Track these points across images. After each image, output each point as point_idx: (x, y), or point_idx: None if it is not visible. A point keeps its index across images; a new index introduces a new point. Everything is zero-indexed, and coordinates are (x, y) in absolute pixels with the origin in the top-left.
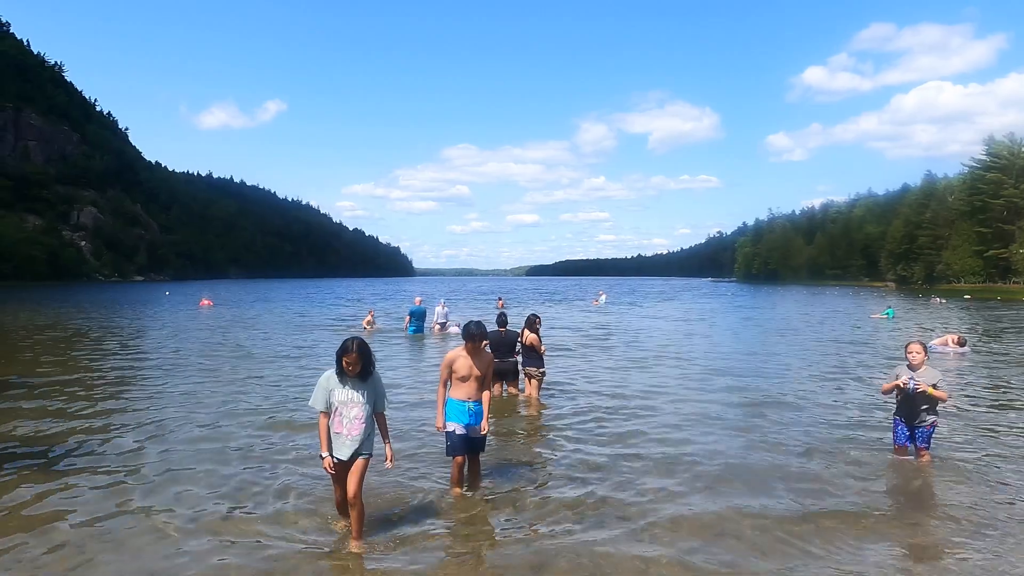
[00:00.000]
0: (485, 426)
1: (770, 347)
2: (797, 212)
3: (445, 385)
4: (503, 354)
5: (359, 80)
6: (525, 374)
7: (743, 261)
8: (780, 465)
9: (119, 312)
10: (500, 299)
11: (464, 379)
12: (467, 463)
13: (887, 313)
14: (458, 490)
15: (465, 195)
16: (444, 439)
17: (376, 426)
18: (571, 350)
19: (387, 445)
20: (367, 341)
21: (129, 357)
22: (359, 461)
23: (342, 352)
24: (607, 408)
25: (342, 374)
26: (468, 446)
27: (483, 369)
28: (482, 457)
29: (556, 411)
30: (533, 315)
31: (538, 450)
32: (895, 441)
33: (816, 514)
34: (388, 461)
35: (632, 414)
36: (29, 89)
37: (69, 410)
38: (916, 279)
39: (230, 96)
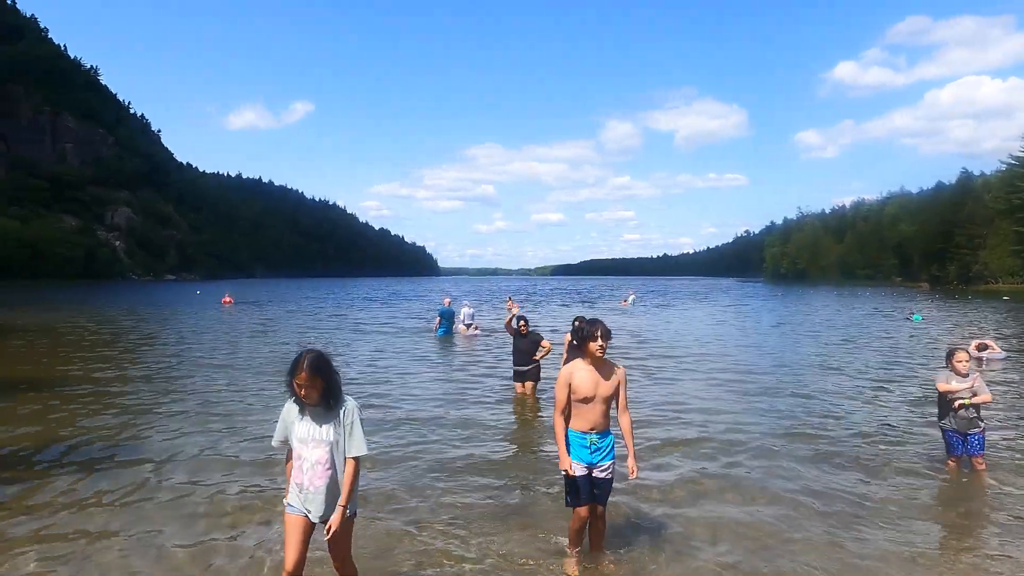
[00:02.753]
0: (632, 465)
1: (829, 358)
2: (827, 211)
3: (561, 410)
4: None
5: (384, 80)
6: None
7: (771, 261)
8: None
9: (175, 311)
10: (510, 299)
11: (587, 401)
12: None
13: (915, 318)
14: (573, 561)
15: (490, 194)
16: (563, 483)
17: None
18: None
19: (339, 509)
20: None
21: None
22: (336, 529)
23: (291, 370)
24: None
25: (300, 402)
26: (592, 493)
27: (613, 386)
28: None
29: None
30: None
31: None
32: (951, 452)
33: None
34: (328, 531)
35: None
36: (66, 93)
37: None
38: (951, 279)
39: (258, 97)
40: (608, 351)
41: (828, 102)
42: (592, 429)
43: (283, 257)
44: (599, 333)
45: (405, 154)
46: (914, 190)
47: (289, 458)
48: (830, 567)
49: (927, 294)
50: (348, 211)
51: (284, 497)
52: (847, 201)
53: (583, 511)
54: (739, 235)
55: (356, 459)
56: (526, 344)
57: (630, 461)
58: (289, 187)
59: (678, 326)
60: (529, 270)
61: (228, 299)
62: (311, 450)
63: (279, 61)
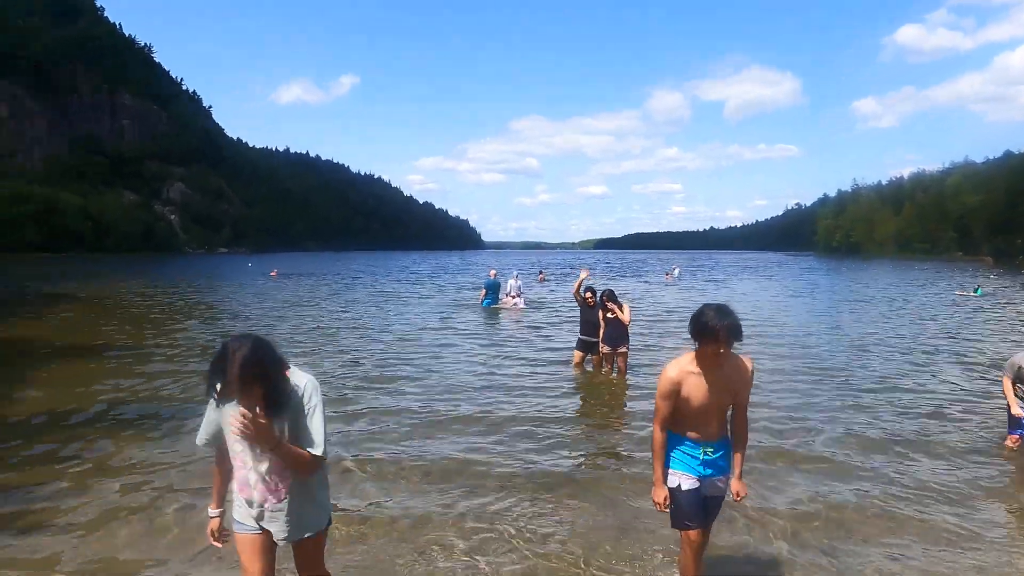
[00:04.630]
0: (738, 487)
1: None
2: (884, 182)
3: (664, 424)
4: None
5: (429, 53)
6: (618, 353)
7: (823, 234)
8: None
9: (227, 283)
10: (542, 272)
11: (700, 409)
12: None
13: (976, 292)
14: None
15: (534, 167)
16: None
17: (311, 482)
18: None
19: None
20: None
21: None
22: (304, 545)
23: (215, 371)
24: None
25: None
26: (706, 513)
27: (736, 391)
28: None
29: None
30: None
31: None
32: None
33: None
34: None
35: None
36: (122, 71)
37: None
38: (1018, 253)
39: (306, 71)
40: (652, 332)
41: (888, 68)
42: (705, 440)
43: (331, 230)
44: (722, 332)
45: (449, 127)
46: (979, 160)
47: (222, 461)
48: None
49: (991, 268)
50: (393, 185)
51: (211, 507)
52: (905, 172)
53: (695, 536)
54: (790, 208)
55: (317, 459)
56: (592, 315)
57: (733, 481)
58: (336, 161)
59: (733, 303)
60: (572, 243)
61: (275, 272)
62: (258, 455)
63: (326, 34)
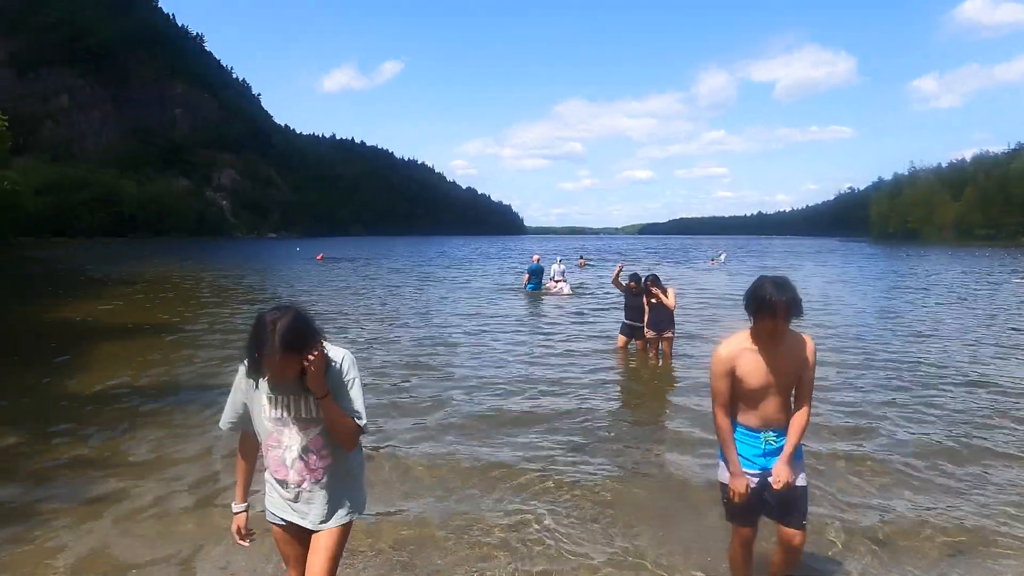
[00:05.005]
0: (783, 472)
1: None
2: (943, 165)
3: (724, 408)
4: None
5: (472, 38)
6: (663, 338)
7: (877, 219)
8: None
9: (277, 266)
10: (582, 258)
11: (759, 391)
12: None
13: None
14: None
15: (577, 152)
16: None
17: (350, 463)
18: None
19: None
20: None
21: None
22: (330, 532)
23: (254, 344)
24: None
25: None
26: (763, 508)
27: (796, 370)
28: None
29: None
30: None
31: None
32: None
33: None
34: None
35: None
36: (175, 61)
37: None
38: None
39: (351, 58)
40: (698, 318)
41: (950, 45)
42: (766, 426)
43: (375, 216)
44: (780, 307)
45: (492, 112)
46: None
47: (247, 450)
48: None
49: None
50: (436, 170)
51: (235, 502)
52: (967, 154)
53: (745, 532)
54: (842, 192)
55: (359, 427)
56: (636, 300)
57: (778, 465)
58: (380, 147)
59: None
60: (615, 229)
61: (320, 256)
62: (295, 433)
63: (370, 21)
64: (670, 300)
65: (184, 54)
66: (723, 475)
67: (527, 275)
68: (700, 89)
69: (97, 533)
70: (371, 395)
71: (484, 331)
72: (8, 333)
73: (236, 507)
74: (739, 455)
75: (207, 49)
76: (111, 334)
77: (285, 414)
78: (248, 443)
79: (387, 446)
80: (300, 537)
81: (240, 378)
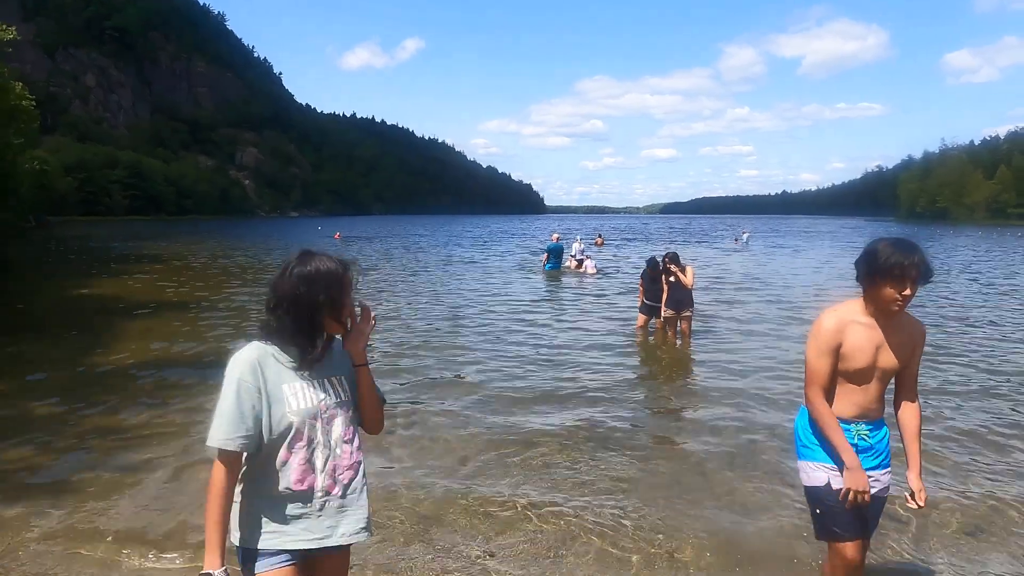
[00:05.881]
0: (918, 485)
1: None
2: (976, 142)
3: (825, 391)
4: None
5: (495, 14)
6: (682, 317)
7: (906, 199)
8: None
9: (299, 244)
10: (600, 237)
11: (864, 373)
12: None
13: None
14: None
15: (599, 130)
16: (811, 498)
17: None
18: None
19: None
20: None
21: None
22: (346, 550)
23: (331, 288)
24: None
25: (303, 351)
26: (862, 520)
27: (905, 355)
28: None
29: None
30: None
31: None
32: None
33: None
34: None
35: None
36: (198, 39)
37: None
38: None
39: (372, 36)
40: (717, 299)
41: (987, 17)
42: (861, 416)
43: (396, 194)
44: (911, 269)
45: (514, 90)
46: None
47: (232, 481)
48: None
49: None
50: (457, 149)
51: (211, 564)
52: (1002, 131)
53: (851, 550)
54: (870, 170)
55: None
56: (654, 283)
57: (912, 478)
58: (401, 126)
59: (807, 267)
60: (637, 208)
61: (338, 235)
62: (330, 424)
63: None
64: (688, 279)
65: (206, 33)
66: (816, 475)
67: (546, 254)
68: (726, 65)
69: (131, 500)
70: (388, 373)
71: (502, 310)
72: (39, 309)
73: (218, 572)
74: (830, 452)
75: (229, 28)
76: (139, 310)
77: (327, 398)
78: (237, 469)
79: (404, 420)
80: (306, 570)
81: (249, 370)
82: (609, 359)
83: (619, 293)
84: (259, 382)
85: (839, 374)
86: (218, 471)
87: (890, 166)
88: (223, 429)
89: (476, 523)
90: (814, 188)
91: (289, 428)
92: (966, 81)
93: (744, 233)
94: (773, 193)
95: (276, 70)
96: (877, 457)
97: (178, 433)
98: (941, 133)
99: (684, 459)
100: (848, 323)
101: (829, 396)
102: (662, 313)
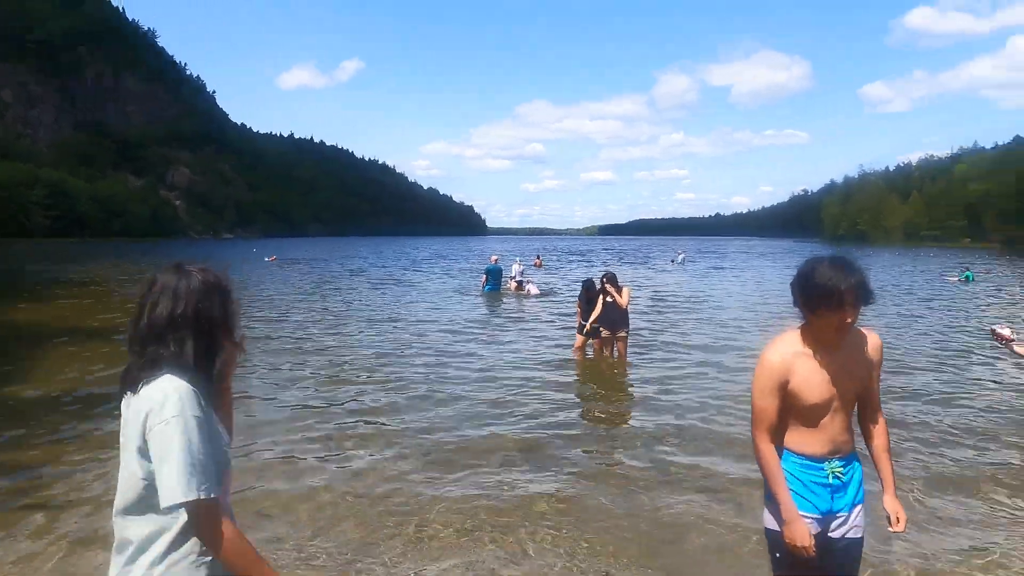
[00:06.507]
0: (896, 508)
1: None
2: (891, 168)
3: (771, 434)
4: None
5: (434, 37)
6: (617, 337)
7: (829, 222)
8: None
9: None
10: (538, 258)
11: (821, 407)
12: None
13: (965, 276)
14: None
15: (539, 152)
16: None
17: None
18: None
19: None
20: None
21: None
22: None
23: (223, 293)
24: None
25: (207, 376)
26: (825, 560)
27: (864, 375)
28: None
29: None
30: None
31: None
32: None
33: None
34: None
35: None
36: (127, 55)
37: None
38: None
39: (309, 56)
40: (655, 319)
41: (899, 52)
42: (832, 452)
43: (335, 215)
44: (849, 294)
45: (455, 112)
46: (988, 145)
47: (222, 525)
48: None
49: (1000, 255)
50: (398, 170)
51: None
52: (913, 158)
53: None
54: (796, 194)
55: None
56: (594, 300)
57: (888, 501)
58: (340, 147)
59: (741, 287)
60: (577, 230)
61: (273, 257)
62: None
63: (330, 19)
64: (624, 299)
65: (136, 49)
66: (770, 520)
67: (485, 276)
68: (662, 91)
69: (29, 543)
70: (321, 404)
71: (440, 334)
72: None
73: None
74: (797, 493)
75: (160, 44)
76: (57, 337)
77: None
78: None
79: (334, 444)
80: None
81: (198, 404)
82: (546, 380)
83: (558, 314)
84: (215, 425)
85: (797, 412)
86: (228, 526)
87: (815, 190)
88: (202, 476)
89: (408, 549)
90: (746, 211)
91: (228, 465)
92: (882, 111)
93: (680, 254)
94: (708, 215)
95: (210, 88)
96: (851, 496)
97: (89, 470)
98: (860, 159)
99: (616, 477)
100: (793, 356)
101: (777, 437)
102: (587, 329)
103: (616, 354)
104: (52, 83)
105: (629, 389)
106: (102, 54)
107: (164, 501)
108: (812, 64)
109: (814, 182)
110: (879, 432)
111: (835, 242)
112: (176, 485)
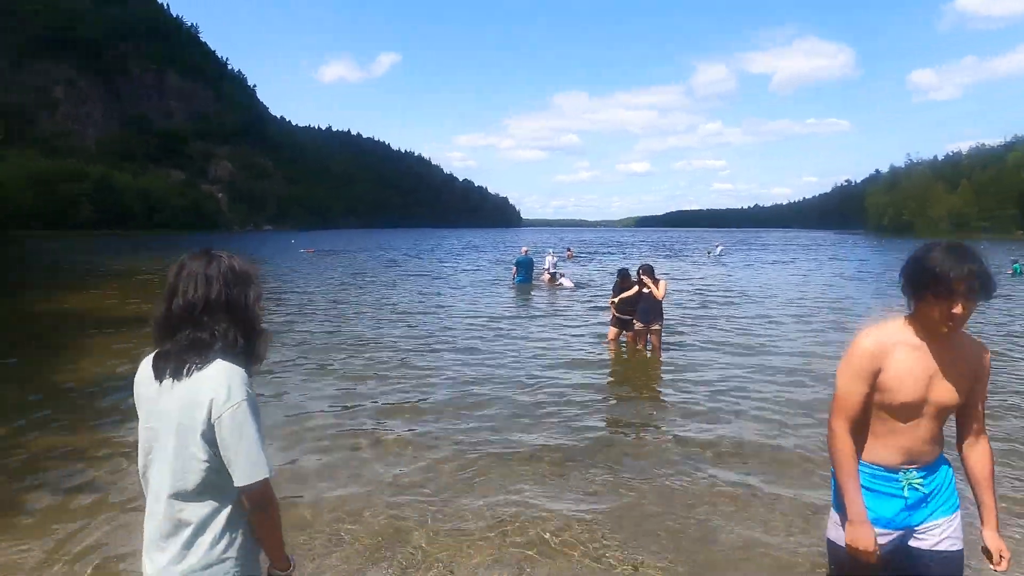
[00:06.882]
0: (997, 544)
1: None
2: (939, 157)
3: (851, 423)
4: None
5: (469, 28)
6: (651, 330)
7: (873, 212)
8: None
9: (269, 258)
10: (570, 250)
11: (911, 407)
12: None
13: (1014, 268)
14: None
15: (574, 144)
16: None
17: None
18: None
19: None
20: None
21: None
22: None
23: (254, 277)
24: None
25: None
26: None
27: (966, 385)
28: None
29: None
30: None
31: None
32: None
33: None
34: None
35: None
36: (170, 51)
37: None
38: None
39: (348, 50)
40: (688, 314)
41: (948, 37)
42: (910, 462)
43: (371, 208)
44: (963, 283)
45: (489, 103)
46: None
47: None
48: None
49: None
50: (433, 162)
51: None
52: (963, 147)
53: None
54: (839, 184)
55: None
56: (621, 293)
57: (989, 536)
58: (377, 139)
59: (782, 281)
60: (612, 221)
61: (311, 249)
62: None
63: (367, 12)
64: (659, 292)
65: (179, 45)
66: (833, 530)
67: (515, 268)
68: (699, 80)
69: (85, 522)
70: (351, 394)
71: (471, 327)
72: None
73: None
74: (870, 505)
75: (202, 40)
76: (103, 325)
77: None
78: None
79: (369, 440)
80: None
81: (252, 385)
82: (579, 373)
83: (590, 307)
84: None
85: (880, 409)
86: (275, 506)
87: (858, 180)
88: (267, 454)
89: (437, 541)
90: (786, 202)
91: None
92: (931, 98)
93: (717, 246)
94: (746, 207)
95: (250, 82)
96: (936, 508)
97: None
98: (906, 148)
99: (650, 475)
100: (891, 345)
101: (859, 432)
102: (634, 325)
103: (650, 347)
104: (98, 80)
105: (662, 384)
106: (146, 51)
107: (242, 480)
108: (857, 51)
109: (857, 172)
110: (981, 456)
111: (878, 233)
112: (255, 463)
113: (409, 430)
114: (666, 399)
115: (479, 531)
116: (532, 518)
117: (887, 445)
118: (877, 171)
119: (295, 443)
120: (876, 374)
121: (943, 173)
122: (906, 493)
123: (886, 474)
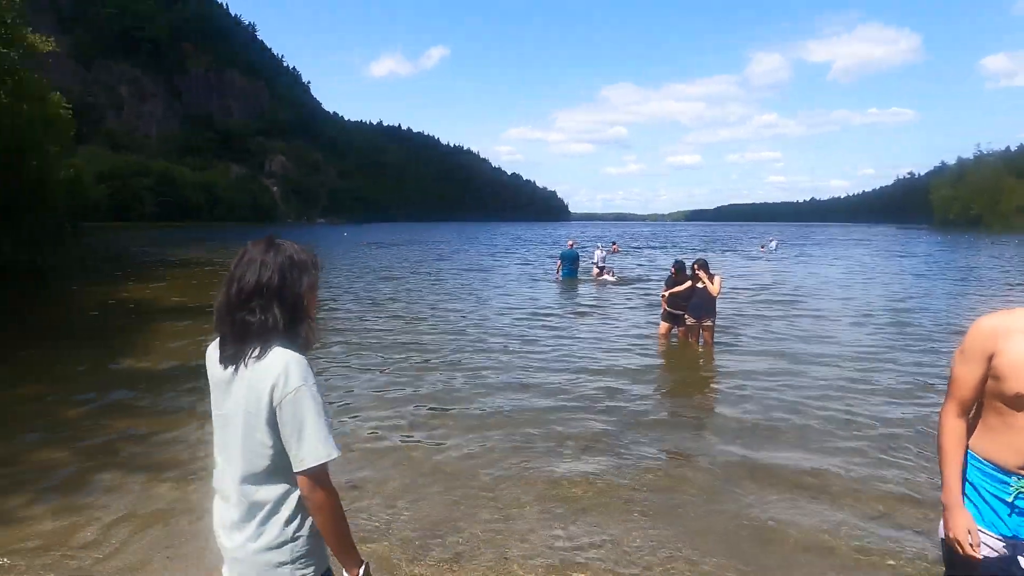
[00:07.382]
0: None
1: None
2: (1013, 148)
3: (963, 409)
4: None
5: (517, 21)
6: (703, 326)
7: (939, 205)
8: None
9: (327, 249)
10: (615, 244)
11: None
12: None
13: None
14: None
15: (623, 136)
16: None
17: None
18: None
19: None
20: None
21: None
22: None
23: (313, 265)
24: None
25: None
26: None
27: None
28: None
29: None
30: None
31: None
32: None
33: None
34: None
35: None
36: (228, 50)
37: None
38: None
39: (398, 45)
40: (742, 311)
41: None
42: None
43: (421, 201)
44: None
45: (538, 96)
46: None
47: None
48: None
49: None
50: (482, 156)
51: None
52: None
53: None
54: (901, 177)
55: None
56: (674, 286)
57: None
58: (426, 133)
59: (840, 278)
60: (662, 215)
61: (365, 242)
62: None
63: (415, 6)
64: (715, 287)
65: (237, 44)
66: (943, 528)
67: (559, 261)
68: (753, 71)
69: (156, 502)
70: (402, 384)
71: (518, 320)
72: (72, 312)
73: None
74: (974, 504)
75: (259, 38)
76: (170, 314)
77: None
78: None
79: (416, 438)
80: None
81: (312, 371)
82: (630, 368)
83: (639, 302)
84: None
85: (995, 398)
86: (332, 492)
87: (922, 172)
88: (330, 438)
89: (490, 527)
90: (844, 195)
91: None
92: (1004, 85)
93: (772, 241)
94: (801, 200)
95: (304, 79)
96: None
97: (206, 440)
98: (975, 138)
99: (698, 470)
100: (1012, 331)
101: (968, 418)
102: (685, 320)
103: (702, 343)
104: (160, 79)
105: (714, 380)
106: (206, 50)
107: (307, 463)
108: (924, 36)
109: (922, 164)
110: None
111: (944, 227)
112: (318, 446)
113: (456, 420)
114: (716, 393)
115: (528, 520)
116: (576, 501)
117: (1000, 441)
118: (943, 163)
119: (341, 431)
120: (990, 357)
121: (1015, 165)
122: (1013, 500)
123: (995, 474)
